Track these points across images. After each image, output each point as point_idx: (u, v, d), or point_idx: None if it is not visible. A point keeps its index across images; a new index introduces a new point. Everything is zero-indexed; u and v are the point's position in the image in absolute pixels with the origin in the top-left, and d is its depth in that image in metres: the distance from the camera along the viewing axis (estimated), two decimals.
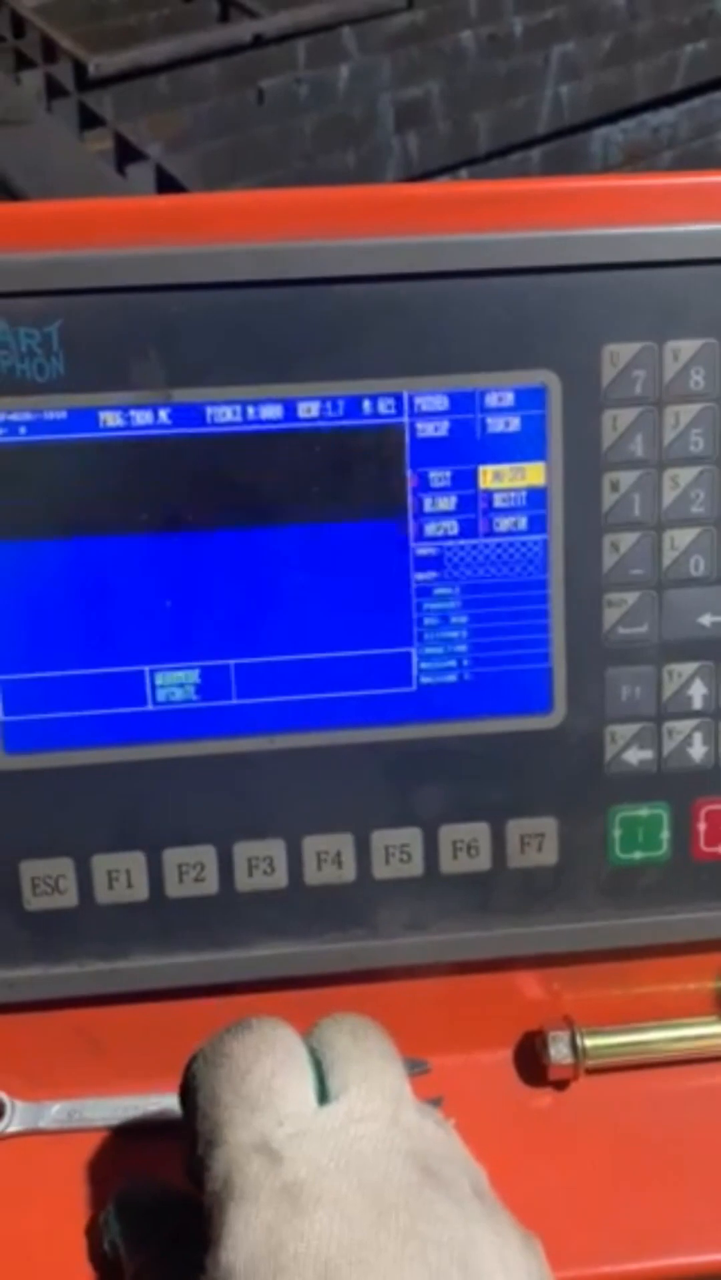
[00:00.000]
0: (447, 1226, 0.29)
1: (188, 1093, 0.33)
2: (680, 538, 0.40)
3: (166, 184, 0.74)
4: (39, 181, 0.73)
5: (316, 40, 0.89)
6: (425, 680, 0.41)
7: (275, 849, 0.41)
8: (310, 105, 0.82)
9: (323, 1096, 0.32)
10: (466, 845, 0.42)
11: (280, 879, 0.41)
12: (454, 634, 0.41)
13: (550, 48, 0.86)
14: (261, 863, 0.41)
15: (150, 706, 0.40)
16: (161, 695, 0.40)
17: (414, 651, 0.41)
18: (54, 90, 0.82)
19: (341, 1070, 0.32)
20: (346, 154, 0.77)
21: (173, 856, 0.41)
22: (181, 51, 0.87)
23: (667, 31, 0.90)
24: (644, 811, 0.42)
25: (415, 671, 0.41)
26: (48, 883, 0.41)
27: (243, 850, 0.41)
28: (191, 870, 0.41)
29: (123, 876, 0.41)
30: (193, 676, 0.40)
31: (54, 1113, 0.43)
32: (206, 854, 0.41)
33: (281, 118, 0.80)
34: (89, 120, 0.81)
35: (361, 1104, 0.31)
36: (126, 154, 0.76)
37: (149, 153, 0.75)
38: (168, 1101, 0.43)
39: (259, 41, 0.89)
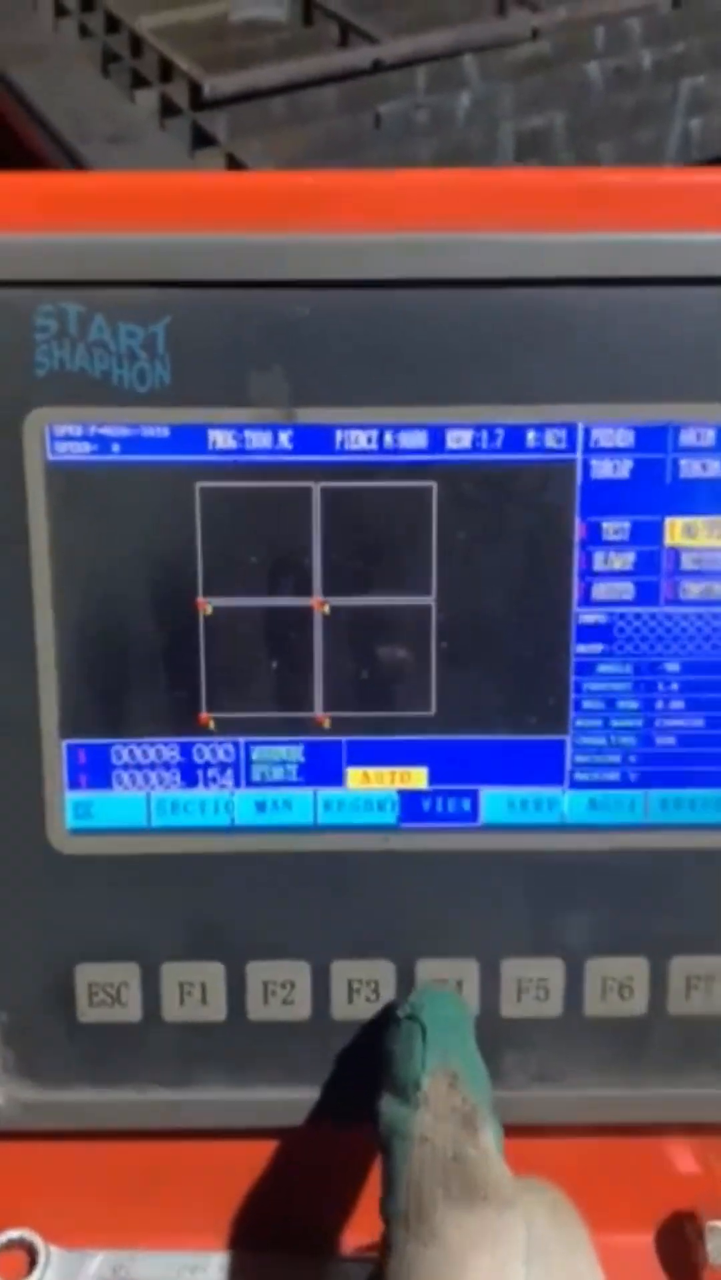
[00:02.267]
0: None
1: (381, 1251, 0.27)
2: None
3: None
4: None
5: (437, 67, 0.84)
6: (580, 777, 0.33)
7: (382, 972, 0.34)
8: (429, 131, 0.77)
9: None
10: (619, 984, 0.34)
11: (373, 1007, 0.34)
12: (621, 723, 0.33)
13: (679, 81, 0.80)
14: (364, 987, 0.34)
15: (244, 788, 0.33)
16: (257, 774, 0.33)
17: (568, 741, 0.33)
18: (168, 110, 0.79)
19: (544, 1265, 0.27)
20: None
21: (258, 971, 0.34)
22: (299, 75, 0.83)
23: None
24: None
25: (568, 766, 0.33)
26: (107, 992, 0.34)
27: (342, 971, 0.34)
28: (280, 990, 0.34)
29: (196, 990, 0.34)
30: (296, 754, 0.33)
31: (96, 1267, 0.36)
32: (299, 971, 0.34)
33: (399, 143, 0.75)
34: (202, 140, 0.77)
35: None
36: None
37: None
38: (231, 1263, 0.36)
39: (378, 67, 0.85)
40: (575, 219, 0.31)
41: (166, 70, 0.81)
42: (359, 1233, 0.36)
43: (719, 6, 0.88)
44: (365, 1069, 0.34)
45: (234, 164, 0.75)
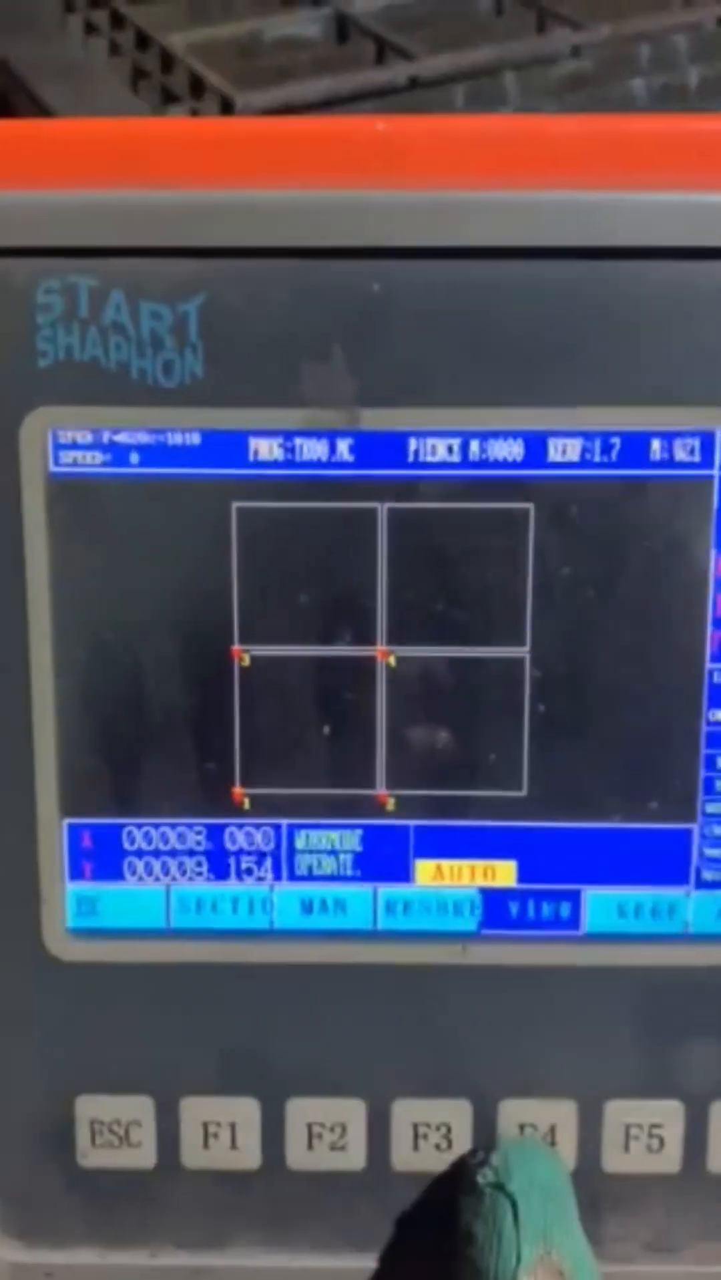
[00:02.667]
0: None
1: None
2: None
3: None
4: None
5: (476, 84, 0.81)
6: (709, 876, 0.27)
7: (456, 1114, 0.27)
8: None
9: None
10: None
11: (442, 1159, 0.27)
12: None
13: None
14: (432, 1132, 0.27)
15: (286, 882, 0.27)
16: (303, 865, 0.27)
17: (695, 831, 0.26)
18: None
19: None
20: None
21: (302, 1110, 0.27)
22: (333, 91, 0.80)
23: None
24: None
25: (695, 862, 0.26)
26: (114, 1130, 0.27)
27: (406, 1112, 0.27)
28: (327, 1133, 0.27)
29: (225, 1132, 0.27)
30: (351, 841, 0.27)
31: None
32: (352, 1111, 0.27)
33: None
34: None
35: None
36: None
37: None
38: None
39: (415, 84, 0.82)
40: (709, 176, 0.24)
41: (197, 86, 0.79)
42: None
43: None
44: (431, 1232, 0.27)
45: None
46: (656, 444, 0.25)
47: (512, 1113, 0.27)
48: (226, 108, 0.77)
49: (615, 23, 0.85)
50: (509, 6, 0.91)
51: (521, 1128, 0.27)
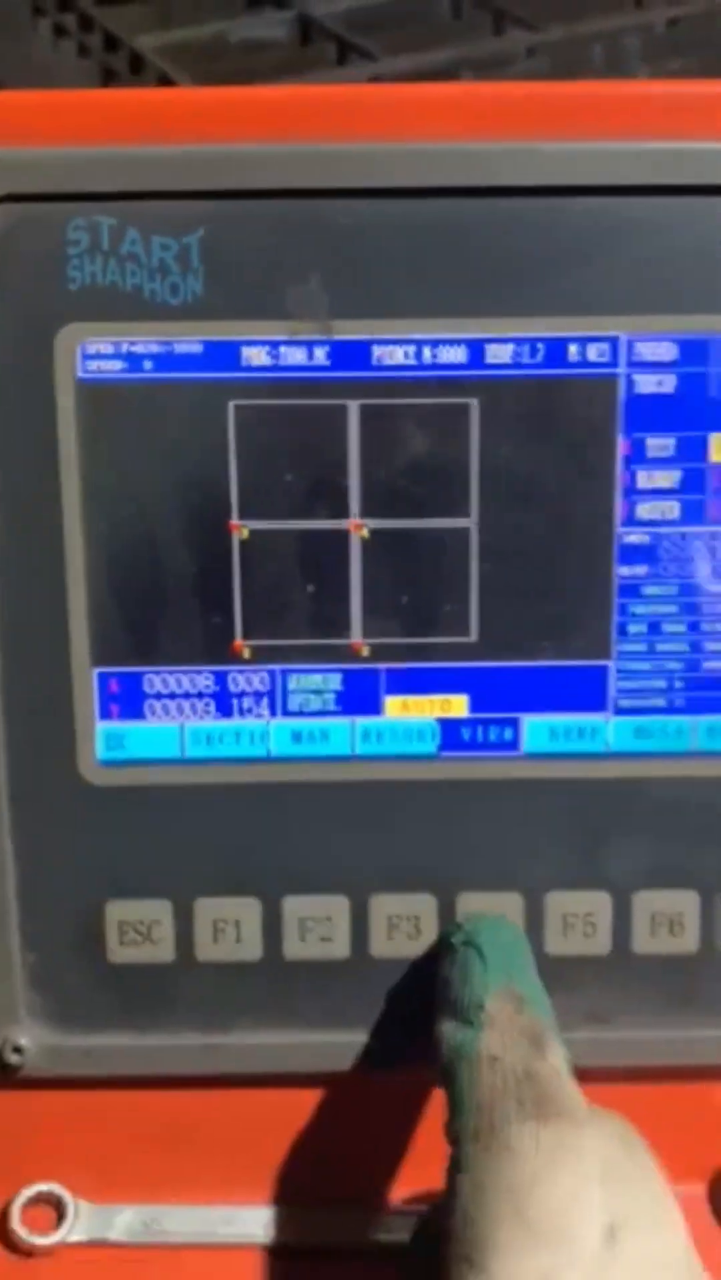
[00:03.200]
0: None
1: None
2: None
3: None
4: None
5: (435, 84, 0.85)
6: (624, 704, 0.32)
7: (422, 906, 0.33)
8: None
9: None
10: (668, 920, 0.33)
11: (425, 945, 0.33)
12: (666, 647, 0.32)
13: None
14: (404, 923, 0.33)
15: (280, 717, 0.32)
16: (294, 703, 0.32)
17: (611, 667, 0.32)
18: None
19: (621, 1195, 0.26)
20: None
21: (295, 907, 0.33)
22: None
23: None
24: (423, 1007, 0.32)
25: (612, 693, 0.32)
26: (139, 930, 0.33)
27: (381, 905, 0.33)
28: (317, 926, 0.33)
29: (231, 929, 0.33)
30: (333, 682, 0.32)
31: (126, 1220, 0.34)
32: (337, 907, 0.33)
33: None
34: None
35: (650, 1244, 0.25)
36: None
37: None
38: (268, 1217, 0.35)
39: (376, 83, 0.86)
40: (620, 127, 0.30)
41: (166, 86, 0.82)
42: (402, 1185, 0.35)
43: (712, 25, 0.89)
44: (407, 1010, 0.33)
45: None
46: (573, 348, 0.31)
47: (469, 904, 0.33)
48: None
49: (568, 24, 0.89)
50: (467, 9, 0.95)
51: None
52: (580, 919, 0.33)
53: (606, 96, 0.31)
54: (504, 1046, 0.28)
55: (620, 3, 0.96)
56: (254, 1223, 0.34)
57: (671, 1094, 0.34)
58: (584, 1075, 0.33)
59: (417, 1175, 0.35)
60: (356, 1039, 0.33)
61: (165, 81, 0.82)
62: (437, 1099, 0.32)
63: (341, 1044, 0.33)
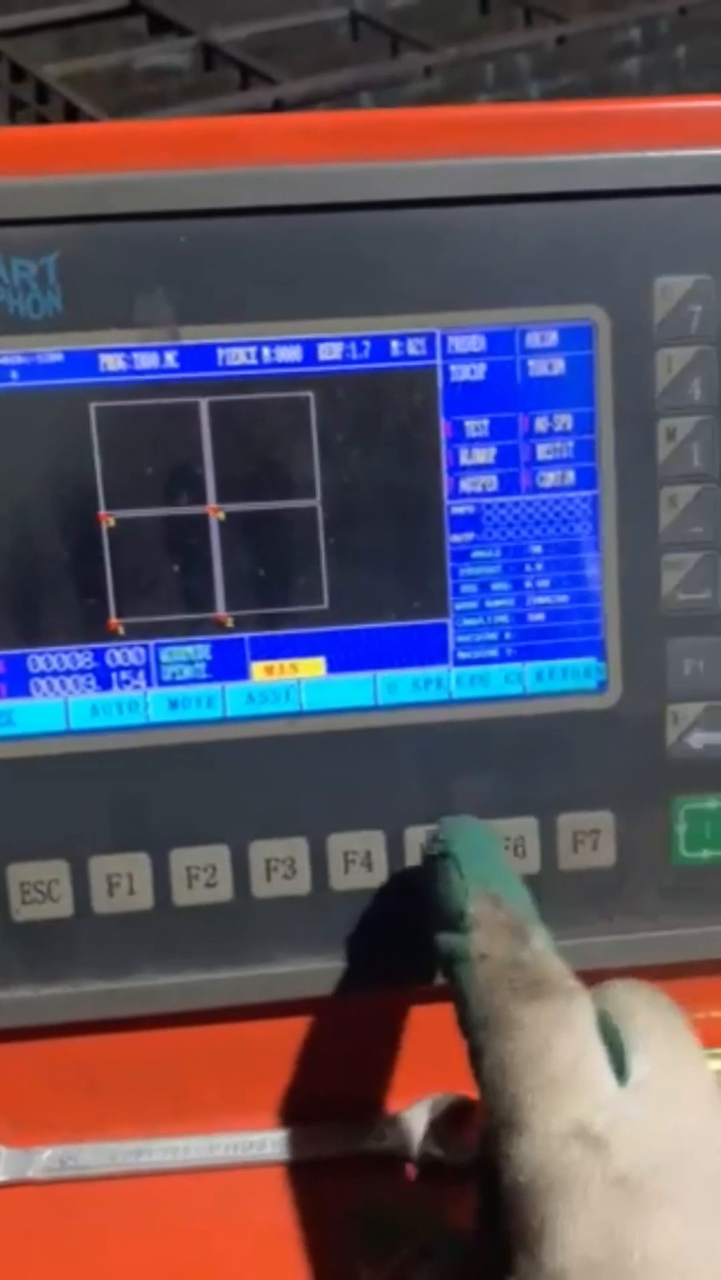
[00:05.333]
0: None
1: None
2: None
3: None
4: None
5: (334, 105, 0.89)
6: (463, 656, 0.37)
7: (297, 849, 0.37)
8: None
9: (619, 1072, 0.28)
10: (512, 844, 0.37)
11: (303, 884, 0.37)
12: (495, 603, 0.36)
13: None
14: (281, 865, 0.37)
15: (156, 687, 0.36)
16: (168, 674, 0.36)
17: (450, 624, 0.36)
18: None
19: (646, 1049, 0.29)
20: None
21: (180, 858, 0.36)
22: (201, 115, 0.87)
23: (684, 96, 0.90)
24: (712, 803, 0.37)
25: (451, 646, 0.37)
26: (39, 889, 0.36)
27: (260, 851, 0.36)
28: (202, 874, 0.36)
29: (124, 882, 0.36)
30: (203, 652, 0.36)
31: (45, 1160, 0.38)
32: (219, 855, 0.36)
33: None
34: None
35: (674, 1091, 0.28)
36: None
37: None
38: (177, 1146, 0.38)
39: (279, 107, 0.90)
40: (432, 147, 0.35)
41: (72, 115, 0.84)
42: (273, 1107, 0.39)
43: (600, 43, 0.94)
44: (291, 944, 0.36)
45: None
46: (395, 343, 0.35)
47: (339, 844, 0.37)
48: None
49: (462, 45, 0.93)
50: (364, 32, 0.98)
51: (345, 854, 0.37)
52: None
53: (416, 122, 0.35)
54: (490, 943, 0.31)
55: (510, 23, 1.01)
56: (160, 1150, 0.38)
57: None
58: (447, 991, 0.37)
59: (299, 1099, 0.39)
60: (245, 974, 0.37)
61: (71, 110, 0.83)
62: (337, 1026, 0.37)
63: (232, 980, 0.37)
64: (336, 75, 0.90)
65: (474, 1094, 0.37)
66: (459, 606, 0.36)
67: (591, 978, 0.38)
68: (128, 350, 0.34)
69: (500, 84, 0.92)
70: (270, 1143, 0.38)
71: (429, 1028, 0.38)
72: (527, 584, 0.37)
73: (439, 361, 0.35)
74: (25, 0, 0.98)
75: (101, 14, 0.99)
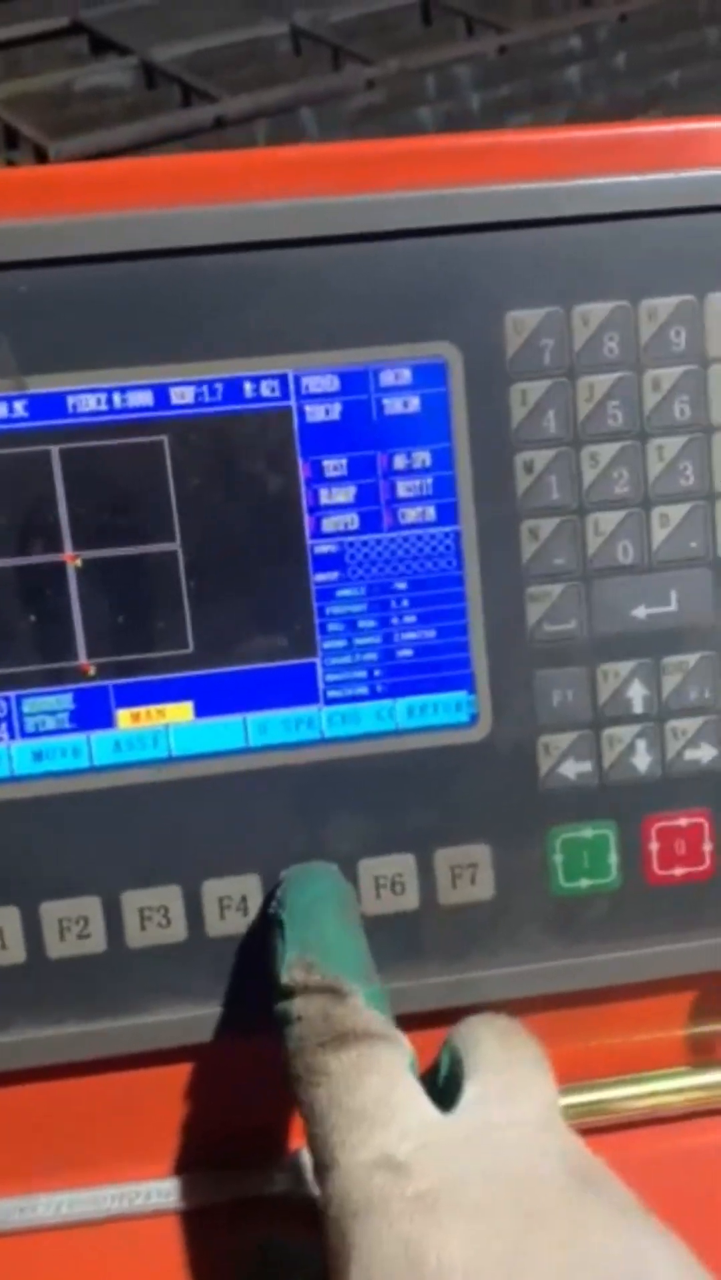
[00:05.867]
0: (614, 1237, 0.26)
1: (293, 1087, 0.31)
2: (604, 522, 0.36)
3: None
4: None
5: (276, 121, 0.89)
6: (332, 694, 0.36)
7: (170, 897, 0.36)
8: None
9: (450, 1098, 0.30)
10: (390, 881, 0.37)
11: (178, 931, 0.36)
12: (363, 641, 0.36)
13: (506, 120, 0.87)
14: (155, 914, 0.36)
15: (19, 739, 0.35)
16: (31, 724, 0.35)
17: (318, 663, 0.36)
18: None
19: (480, 1075, 0.30)
20: None
21: (52, 911, 0.36)
22: (143, 135, 0.87)
23: (622, 103, 0.91)
24: (587, 832, 0.37)
25: (321, 685, 0.36)
26: None
27: (133, 900, 0.36)
28: (74, 926, 0.36)
29: None
30: (65, 702, 0.35)
31: None
32: (91, 906, 0.36)
33: None
34: None
35: (504, 1109, 0.29)
36: None
37: None
38: (63, 1200, 0.38)
39: (220, 124, 0.90)
40: (267, 189, 0.34)
41: (12, 137, 0.83)
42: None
43: (539, 52, 0.94)
44: (160, 995, 0.36)
45: None
46: (248, 385, 0.35)
47: (213, 890, 0.36)
48: (41, 156, 0.82)
49: (403, 57, 0.94)
50: (306, 47, 0.98)
51: (220, 900, 0.36)
52: None
53: (254, 163, 0.35)
54: (305, 1006, 0.31)
55: (452, 34, 1.01)
56: (47, 1207, 0.37)
57: (413, 1039, 0.38)
58: None
59: (188, 1146, 0.38)
60: (123, 1024, 0.36)
61: (10, 132, 0.82)
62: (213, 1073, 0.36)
63: (109, 1031, 0.36)
64: (277, 91, 0.90)
65: None
66: (326, 645, 0.36)
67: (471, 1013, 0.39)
68: None
69: (441, 95, 0.92)
70: (157, 1192, 0.38)
71: None
72: (394, 620, 0.36)
73: (293, 402, 0.35)
74: None
75: (43, 35, 0.98)
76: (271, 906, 0.35)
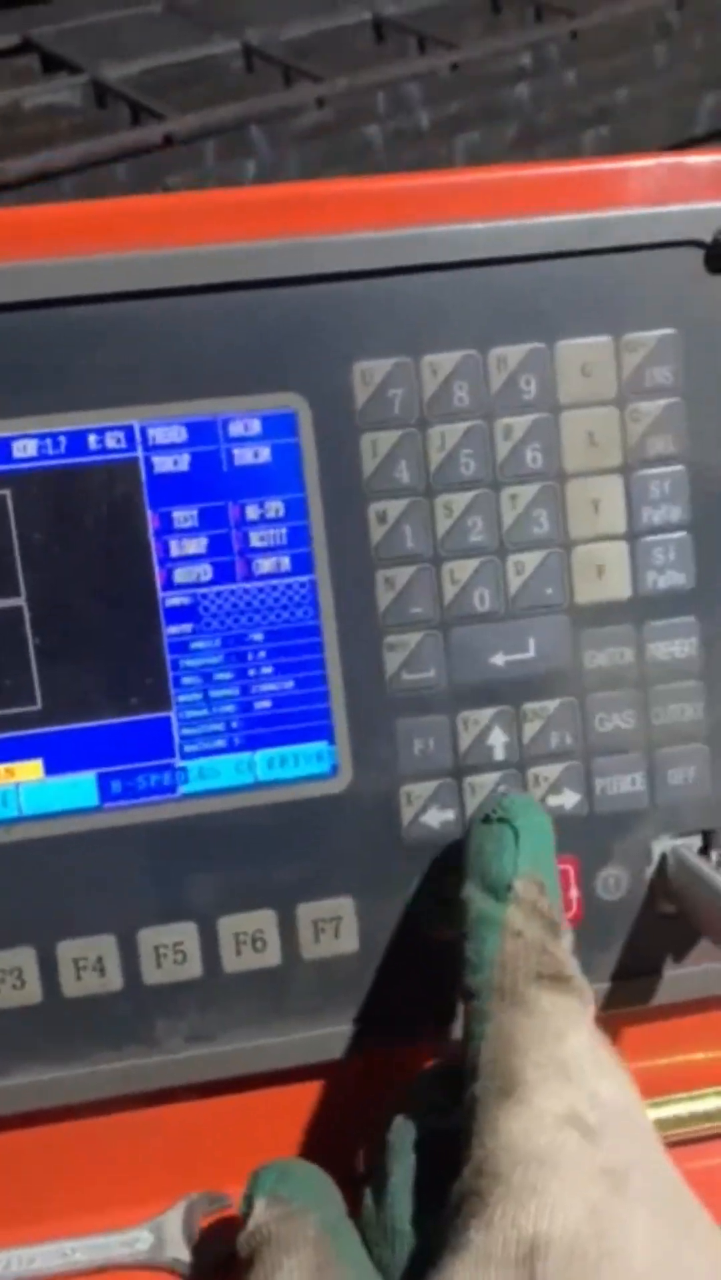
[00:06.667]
0: None
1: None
2: (460, 570, 0.36)
3: None
4: None
5: (225, 139, 0.89)
6: (189, 749, 0.36)
7: (24, 958, 0.35)
8: None
9: None
10: (251, 938, 0.36)
11: (33, 993, 0.35)
12: (219, 693, 0.36)
13: (455, 137, 0.87)
14: (8, 975, 0.35)
15: None
16: None
17: (173, 717, 0.36)
18: None
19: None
20: None
21: None
22: (91, 154, 0.86)
23: (571, 119, 0.92)
24: (452, 879, 0.37)
25: (177, 740, 0.36)
26: None
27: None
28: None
29: None
30: None
31: None
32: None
33: None
34: None
35: (637, 1110, 0.30)
36: None
37: None
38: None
39: (170, 142, 0.89)
40: (111, 241, 0.34)
41: None
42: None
43: (490, 68, 0.94)
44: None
45: None
46: (92, 437, 0.34)
47: (67, 950, 0.35)
48: None
49: (353, 74, 0.93)
50: (258, 65, 0.97)
51: (75, 960, 0.35)
52: (170, 949, 0.36)
53: (94, 215, 0.35)
54: (526, 923, 0.31)
55: (404, 51, 1.01)
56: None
57: (288, 1096, 0.38)
58: (200, 1091, 0.36)
59: (57, 1211, 0.37)
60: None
61: None
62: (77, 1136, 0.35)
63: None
64: (227, 109, 0.89)
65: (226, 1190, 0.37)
66: (181, 699, 0.36)
67: (341, 1068, 0.38)
68: None
69: (391, 113, 0.92)
70: (16, 1260, 0.37)
71: (173, 1130, 0.38)
72: (251, 672, 0.36)
73: (140, 453, 0.35)
74: None
75: None
76: (493, 812, 0.34)
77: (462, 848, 0.34)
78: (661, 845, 0.38)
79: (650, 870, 0.38)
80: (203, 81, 0.95)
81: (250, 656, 0.36)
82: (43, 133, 0.89)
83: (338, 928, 0.37)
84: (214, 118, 0.90)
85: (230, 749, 0.36)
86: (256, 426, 0.35)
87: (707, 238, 0.35)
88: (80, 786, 0.35)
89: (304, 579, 0.36)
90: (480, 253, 0.34)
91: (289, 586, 0.36)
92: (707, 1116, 0.39)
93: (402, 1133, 0.33)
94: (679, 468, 0.36)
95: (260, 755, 0.36)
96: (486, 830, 0.33)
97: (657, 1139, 0.30)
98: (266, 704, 0.36)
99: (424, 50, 1.00)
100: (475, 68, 0.95)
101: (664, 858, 0.38)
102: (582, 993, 0.31)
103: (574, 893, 0.38)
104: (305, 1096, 0.38)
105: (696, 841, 0.38)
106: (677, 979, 0.38)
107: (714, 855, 0.38)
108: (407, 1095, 0.34)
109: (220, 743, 0.36)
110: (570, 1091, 0.29)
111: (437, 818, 0.37)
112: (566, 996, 0.31)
